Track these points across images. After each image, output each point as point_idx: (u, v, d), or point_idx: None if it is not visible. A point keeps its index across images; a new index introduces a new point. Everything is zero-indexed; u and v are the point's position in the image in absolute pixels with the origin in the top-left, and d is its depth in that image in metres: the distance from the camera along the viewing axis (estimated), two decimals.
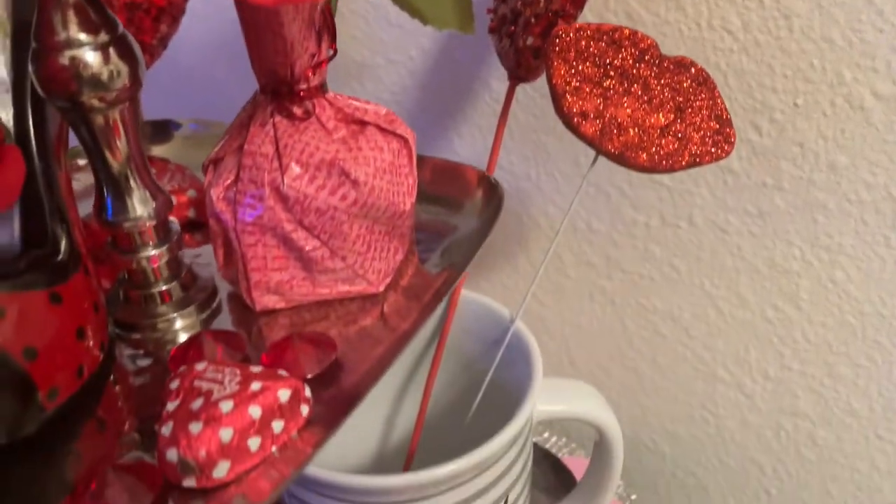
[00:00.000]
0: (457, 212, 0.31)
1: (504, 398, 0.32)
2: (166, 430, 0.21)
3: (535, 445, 0.48)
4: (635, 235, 0.46)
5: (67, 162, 0.25)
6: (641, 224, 0.46)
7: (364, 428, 0.39)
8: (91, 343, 0.24)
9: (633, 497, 0.50)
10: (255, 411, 0.21)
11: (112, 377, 0.25)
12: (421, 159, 0.32)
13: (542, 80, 0.45)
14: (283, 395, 0.22)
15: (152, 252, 0.26)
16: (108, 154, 0.23)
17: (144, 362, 0.26)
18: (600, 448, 0.34)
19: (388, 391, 0.38)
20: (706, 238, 0.44)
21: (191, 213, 0.32)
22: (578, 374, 0.54)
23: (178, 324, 0.27)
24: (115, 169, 0.23)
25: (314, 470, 0.28)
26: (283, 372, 0.23)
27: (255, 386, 0.22)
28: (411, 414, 0.36)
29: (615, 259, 0.48)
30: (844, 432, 0.47)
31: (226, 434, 0.21)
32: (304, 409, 0.22)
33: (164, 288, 0.26)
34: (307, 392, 0.23)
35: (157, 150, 0.39)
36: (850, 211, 0.40)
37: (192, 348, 0.24)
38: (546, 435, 0.51)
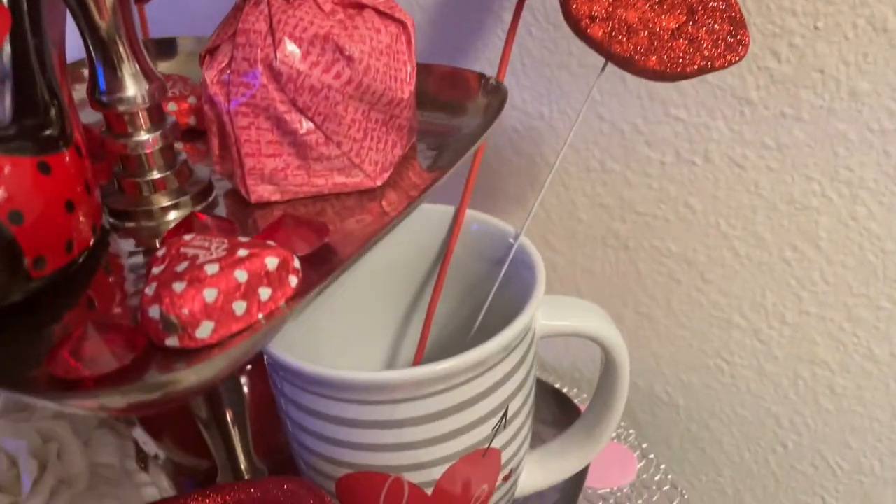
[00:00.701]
0: (460, 115, 0.30)
1: (508, 315, 0.31)
2: (150, 290, 0.20)
3: (542, 383, 0.47)
4: (650, 174, 0.45)
5: (64, 47, 0.25)
6: (656, 162, 0.45)
7: (369, 354, 0.38)
8: (81, 220, 0.23)
9: (644, 446, 0.49)
10: (240, 275, 0.21)
11: (106, 266, 0.25)
12: (426, 67, 0.31)
13: (556, 11, 0.44)
14: (271, 262, 0.21)
15: (145, 137, 0.25)
16: (94, 11, 0.22)
17: (138, 255, 0.26)
18: (605, 369, 0.33)
19: (394, 317, 0.38)
20: (722, 175, 0.43)
21: (191, 121, 0.31)
22: None
23: (172, 214, 0.26)
24: (103, 30, 0.23)
25: (309, 366, 0.27)
26: (271, 243, 0.22)
27: (242, 252, 0.21)
28: (417, 339, 0.36)
29: (629, 200, 0.47)
30: (864, 380, 0.45)
31: (210, 294, 0.20)
32: (293, 280, 0.22)
33: (158, 176, 0.26)
34: (296, 263, 0.22)
35: (162, 68, 0.39)
36: (872, 142, 0.39)
37: (183, 228, 0.24)
38: (558, 385, 0.51)
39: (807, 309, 0.45)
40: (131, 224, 0.26)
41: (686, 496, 0.45)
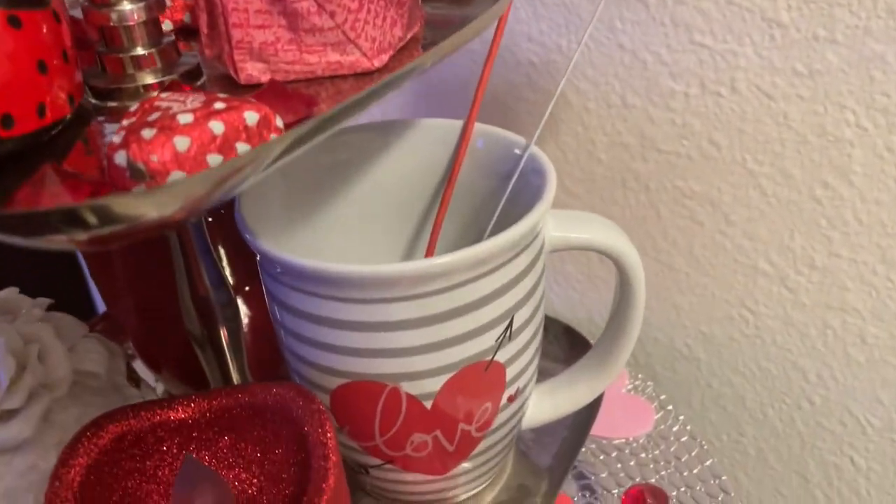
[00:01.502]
0: (467, 3, 0.29)
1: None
2: (117, 137, 0.19)
3: (554, 321, 0.45)
4: (673, 108, 0.43)
5: None
6: (680, 94, 0.43)
7: None
8: (56, 85, 0.22)
9: (663, 398, 0.47)
10: (216, 126, 0.19)
11: (84, 139, 0.24)
12: None
13: None
14: (251, 117, 0.20)
15: (129, 7, 0.24)
16: None
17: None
18: (619, 289, 0.31)
19: (401, 238, 0.36)
20: (749, 106, 0.41)
21: (186, 18, 0.30)
22: (606, 269, 0.51)
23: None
24: None
25: (300, 258, 0.25)
26: (253, 99, 0.21)
27: (220, 105, 0.20)
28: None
29: (650, 137, 0.45)
30: None
31: (182, 143, 0.19)
32: (274, 139, 0.20)
33: (142, 52, 0.25)
34: (278, 122, 0.21)
35: None
36: None
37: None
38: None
39: (837, 251, 0.42)
40: (114, 104, 0.25)
41: (705, 447, 0.43)
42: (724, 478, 0.41)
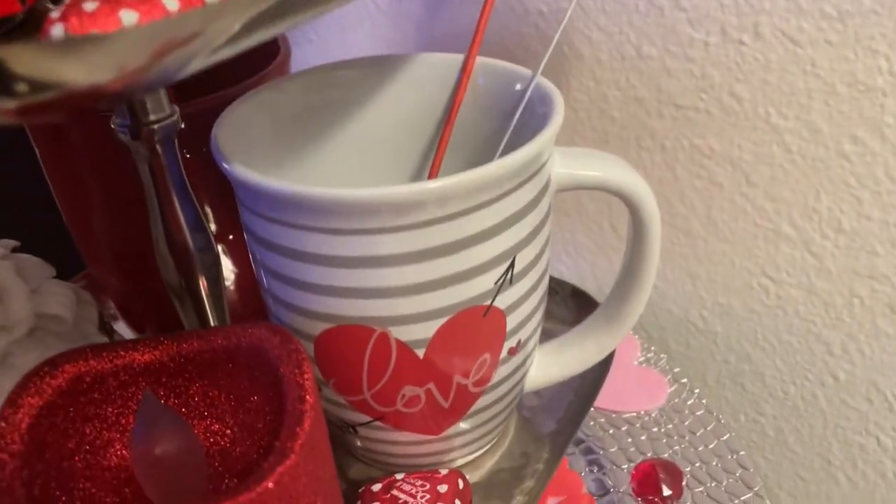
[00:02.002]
0: None
1: None
2: (56, 13, 0.17)
3: (561, 282, 0.42)
4: (692, 59, 0.40)
5: None
6: (699, 43, 0.40)
7: None
8: None
9: (677, 370, 0.44)
10: (170, 2, 0.17)
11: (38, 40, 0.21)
12: None
13: None
14: None
15: None
16: None
17: None
18: (632, 235, 0.29)
19: (398, 183, 0.34)
20: (774, 54, 0.38)
21: None
22: (620, 240, 0.48)
23: None
24: None
25: (276, 182, 0.23)
26: None
27: None
28: None
29: (667, 92, 0.42)
30: None
31: (128, 17, 0.16)
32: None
33: None
34: None
35: None
36: None
37: None
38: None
39: (867, 213, 0.40)
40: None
41: (722, 421, 0.40)
42: (742, 453, 0.39)
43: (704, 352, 0.48)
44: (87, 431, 0.23)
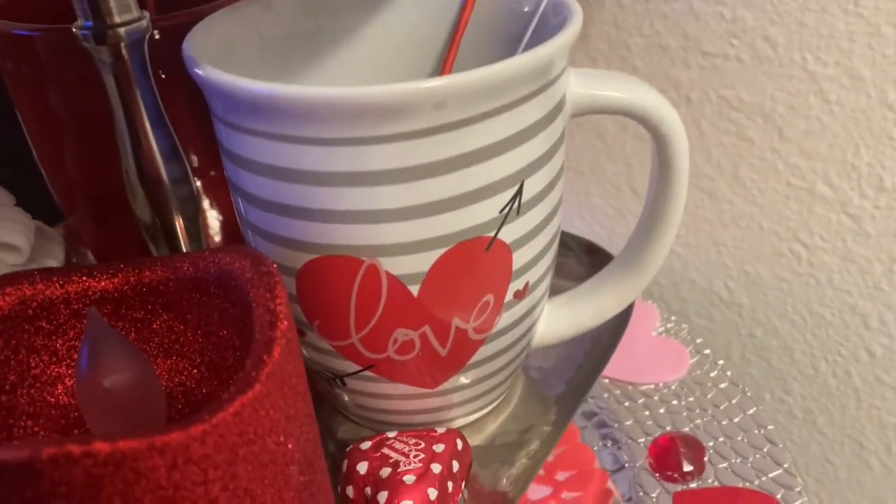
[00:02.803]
0: None
1: None
2: None
3: (575, 237, 0.39)
4: (721, 0, 0.37)
5: None
6: None
7: None
8: None
9: (699, 341, 0.40)
10: None
11: None
12: None
13: None
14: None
15: None
16: None
17: None
18: (656, 167, 0.26)
19: None
20: None
21: None
22: (641, 204, 0.45)
23: None
24: None
25: (252, 83, 0.20)
26: None
27: None
28: None
29: (694, 38, 0.39)
30: None
31: None
32: None
33: None
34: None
35: None
36: None
37: None
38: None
39: None
40: None
41: (748, 394, 0.37)
42: (770, 427, 0.35)
43: (728, 325, 0.45)
44: (33, 364, 0.21)
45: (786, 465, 0.34)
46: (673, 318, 0.42)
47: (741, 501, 0.33)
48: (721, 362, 0.39)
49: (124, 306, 0.22)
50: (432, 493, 0.24)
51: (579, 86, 0.24)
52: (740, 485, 0.33)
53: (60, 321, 0.21)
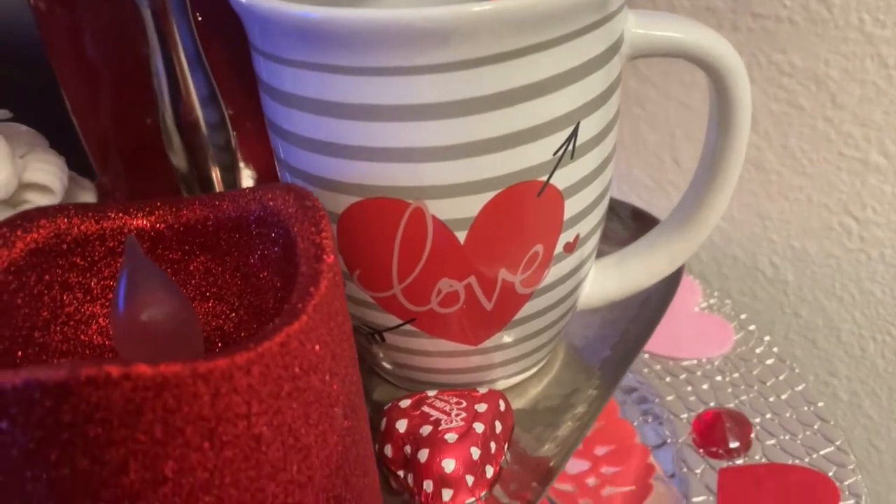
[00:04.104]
0: None
1: None
2: None
3: (621, 202, 0.38)
4: None
5: None
6: None
7: None
8: None
9: (743, 317, 0.39)
10: None
11: None
12: None
13: None
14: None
15: None
16: None
17: None
18: (717, 109, 0.24)
19: None
20: None
21: None
22: (684, 176, 0.44)
23: None
24: None
25: (287, 7, 0.19)
26: None
27: None
28: None
29: None
30: None
31: None
32: None
33: None
34: None
35: None
36: None
37: None
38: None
39: None
40: None
41: (796, 371, 0.36)
42: (820, 404, 0.34)
43: (773, 304, 0.44)
44: (66, 301, 0.20)
45: (838, 443, 0.32)
46: (716, 293, 0.40)
47: (791, 479, 0.31)
48: (767, 338, 0.37)
49: (161, 246, 0.21)
50: (475, 453, 0.23)
51: (637, 25, 0.23)
52: (789, 462, 0.32)
53: (95, 258, 0.20)
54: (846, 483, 0.31)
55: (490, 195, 0.21)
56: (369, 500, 0.20)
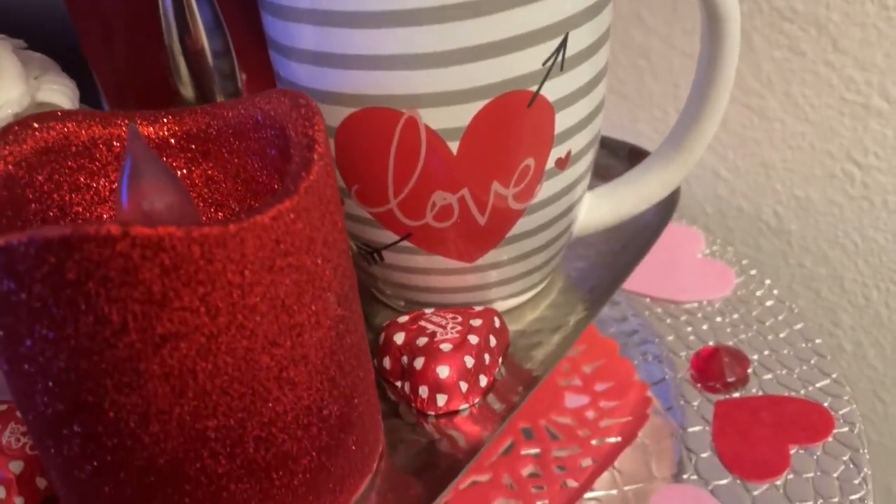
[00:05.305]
0: None
1: None
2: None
3: (614, 140, 0.38)
4: None
5: None
6: None
7: None
8: None
9: (745, 262, 0.39)
10: None
11: None
12: None
13: None
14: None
15: None
16: None
17: None
18: (707, 30, 0.25)
19: None
20: None
21: None
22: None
23: None
24: None
25: None
26: None
27: None
28: None
29: None
30: None
31: None
32: None
33: None
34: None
35: None
36: None
37: None
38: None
39: None
40: None
41: (795, 311, 0.36)
42: (818, 341, 0.34)
43: (777, 254, 0.44)
44: (76, 201, 0.21)
45: (834, 376, 0.33)
46: (718, 240, 0.41)
47: (786, 409, 0.32)
48: (768, 281, 0.38)
49: (165, 154, 0.22)
50: (469, 361, 0.24)
51: None
52: (785, 394, 0.32)
53: (103, 162, 0.21)
54: (841, 412, 0.31)
55: (481, 104, 0.22)
56: (364, 395, 0.21)
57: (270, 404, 0.18)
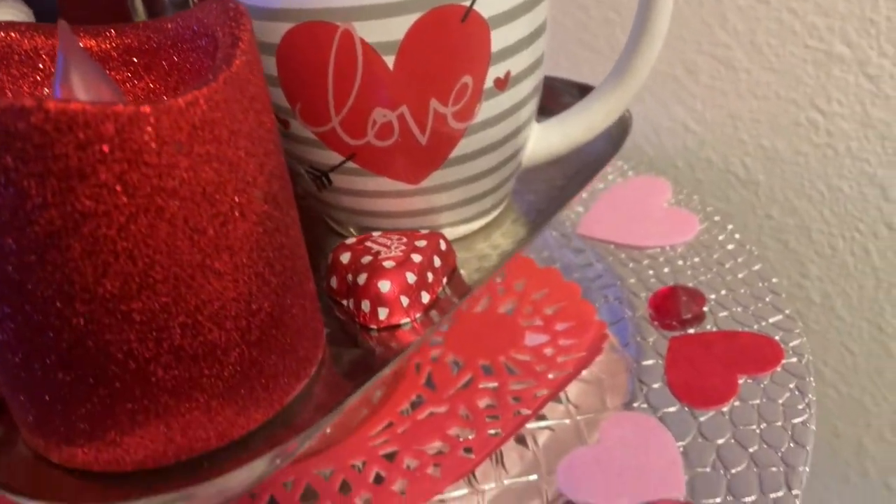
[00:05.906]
0: None
1: None
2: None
3: (566, 80, 0.39)
4: None
5: None
6: None
7: None
8: None
9: (709, 209, 0.40)
10: None
11: None
12: None
13: None
14: None
15: None
16: None
17: None
18: None
19: None
20: None
21: None
22: (658, 78, 0.44)
23: None
24: None
25: None
26: None
27: None
28: None
29: None
30: None
31: None
32: None
33: None
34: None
35: None
36: None
37: None
38: None
39: None
40: None
41: (756, 253, 0.36)
42: (774, 280, 0.35)
43: (745, 206, 0.44)
44: None
45: (787, 312, 0.33)
46: (684, 190, 0.41)
47: (738, 343, 0.32)
48: (730, 226, 0.38)
49: (107, 66, 0.22)
50: (410, 278, 0.25)
51: None
52: (739, 330, 0.33)
53: (46, 72, 0.22)
54: (791, 345, 0.32)
55: (414, 16, 0.22)
56: (299, 299, 0.22)
57: (195, 291, 0.18)
